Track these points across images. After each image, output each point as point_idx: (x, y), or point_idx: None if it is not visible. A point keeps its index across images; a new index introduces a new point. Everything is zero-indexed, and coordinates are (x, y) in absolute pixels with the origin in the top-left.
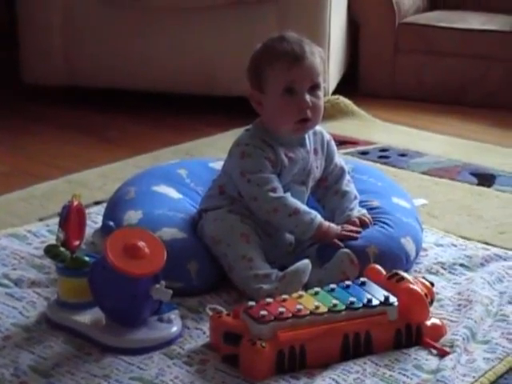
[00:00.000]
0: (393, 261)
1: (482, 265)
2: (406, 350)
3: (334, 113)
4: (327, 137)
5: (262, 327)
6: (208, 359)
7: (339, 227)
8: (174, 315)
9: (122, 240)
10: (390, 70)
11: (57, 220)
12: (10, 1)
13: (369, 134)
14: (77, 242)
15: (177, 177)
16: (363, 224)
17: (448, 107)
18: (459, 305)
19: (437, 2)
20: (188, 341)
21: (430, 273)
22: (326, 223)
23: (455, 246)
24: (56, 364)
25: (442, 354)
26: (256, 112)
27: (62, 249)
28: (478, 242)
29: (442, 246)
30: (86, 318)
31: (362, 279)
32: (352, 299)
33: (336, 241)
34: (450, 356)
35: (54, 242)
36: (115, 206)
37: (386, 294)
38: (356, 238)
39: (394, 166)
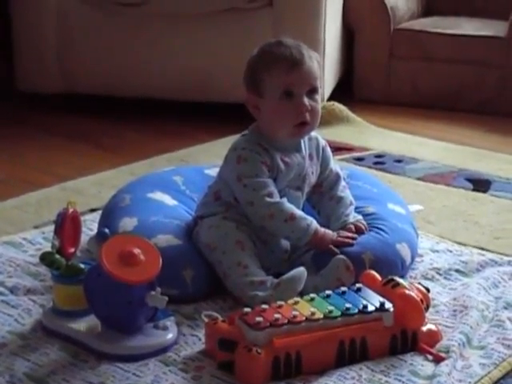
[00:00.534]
0: (388, 267)
1: (478, 270)
2: (401, 356)
3: (329, 119)
4: (322, 142)
5: (258, 334)
6: (204, 366)
7: (335, 233)
8: (169, 322)
9: (118, 247)
10: (385, 76)
11: (52, 227)
12: (5, 10)
13: (364, 140)
14: (72, 250)
15: (172, 184)
16: (359, 230)
17: (443, 113)
18: (455, 310)
19: (432, 8)
20: (184, 347)
21: (426, 278)
22: (322, 229)
23: (451, 251)
24: (52, 371)
25: (438, 360)
26: (252, 117)
27: (58, 256)
28: (474, 247)
29: (437, 251)
30: (81, 325)
31: (357, 285)
32: (348, 305)
33: (332, 247)
34: (446, 362)
35: (49, 249)
36: (110, 214)
37: (382, 299)
38: (352, 245)
39: (389, 172)
